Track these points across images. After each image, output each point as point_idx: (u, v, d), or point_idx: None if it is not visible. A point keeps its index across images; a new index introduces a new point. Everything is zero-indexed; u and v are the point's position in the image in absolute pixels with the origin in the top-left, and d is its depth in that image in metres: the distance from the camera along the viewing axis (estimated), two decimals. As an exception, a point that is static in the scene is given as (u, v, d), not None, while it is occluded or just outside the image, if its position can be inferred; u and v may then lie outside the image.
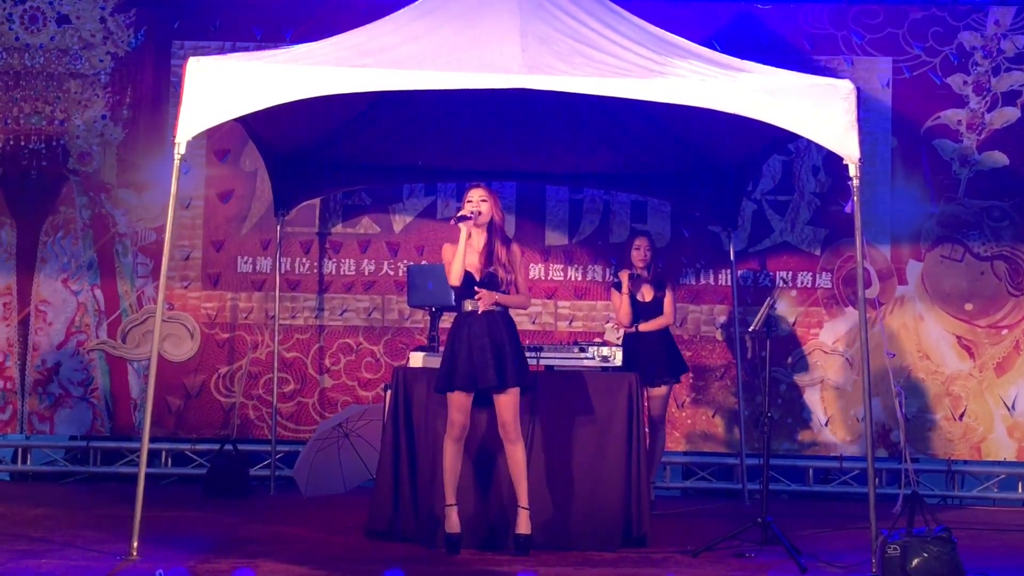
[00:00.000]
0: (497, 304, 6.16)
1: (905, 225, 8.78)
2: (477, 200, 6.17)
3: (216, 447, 8.47)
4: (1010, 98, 8.80)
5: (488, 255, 6.18)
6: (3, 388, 8.75)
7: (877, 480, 8.31)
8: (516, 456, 6.15)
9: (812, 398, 8.77)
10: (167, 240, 6.02)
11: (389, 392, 6.60)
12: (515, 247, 6.29)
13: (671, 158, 8.35)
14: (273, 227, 8.58)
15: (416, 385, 6.49)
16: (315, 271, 8.87)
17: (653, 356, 7.57)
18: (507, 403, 6.10)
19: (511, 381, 6.08)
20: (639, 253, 7.73)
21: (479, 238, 6.21)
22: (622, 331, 7.58)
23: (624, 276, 7.66)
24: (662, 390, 7.66)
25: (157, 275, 8.40)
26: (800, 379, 8.77)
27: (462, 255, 6.10)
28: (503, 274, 6.16)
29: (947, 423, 8.71)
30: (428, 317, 7.44)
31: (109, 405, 8.76)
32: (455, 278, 6.12)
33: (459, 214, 6.13)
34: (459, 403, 6.09)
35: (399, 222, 8.92)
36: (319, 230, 8.90)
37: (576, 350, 6.71)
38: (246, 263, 8.85)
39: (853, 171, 5.88)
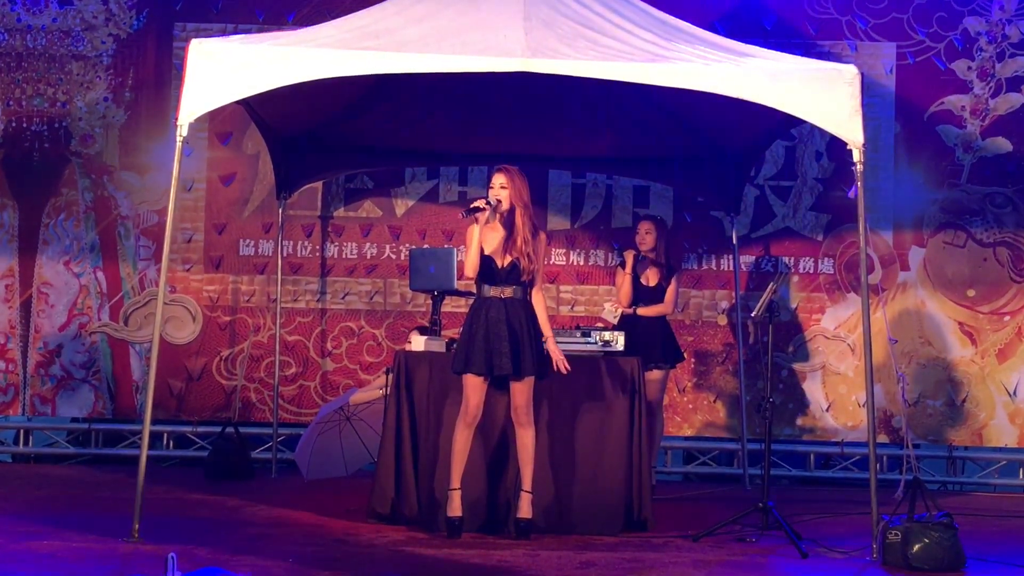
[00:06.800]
0: (516, 291, 6.13)
1: (908, 211, 8.77)
2: (497, 187, 6.11)
3: (218, 430, 8.46)
4: (1014, 84, 8.77)
5: (511, 243, 6.11)
6: (5, 370, 8.76)
7: (878, 466, 8.30)
8: (525, 440, 6.16)
9: (813, 384, 8.77)
10: (169, 223, 6.01)
11: (391, 376, 6.59)
12: (542, 236, 6.22)
13: (674, 143, 8.32)
14: (275, 210, 8.57)
15: (418, 369, 6.49)
16: (317, 254, 8.87)
17: (649, 340, 7.52)
18: (521, 388, 6.10)
19: (527, 370, 6.07)
20: (639, 236, 7.70)
21: (502, 224, 6.15)
22: (620, 312, 7.56)
23: (629, 255, 7.63)
24: (657, 375, 7.62)
25: (159, 258, 8.40)
26: (801, 365, 8.77)
27: (476, 250, 6.05)
28: (525, 263, 6.10)
29: (948, 409, 8.71)
30: (430, 301, 7.44)
31: (111, 387, 8.76)
32: (470, 270, 6.09)
33: (471, 206, 6.06)
34: (475, 386, 6.08)
35: (401, 206, 8.91)
36: (321, 213, 8.90)
37: (578, 335, 6.70)
38: (248, 246, 8.84)
39: (857, 156, 5.87)
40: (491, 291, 6.13)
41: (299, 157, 8.33)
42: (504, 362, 6.02)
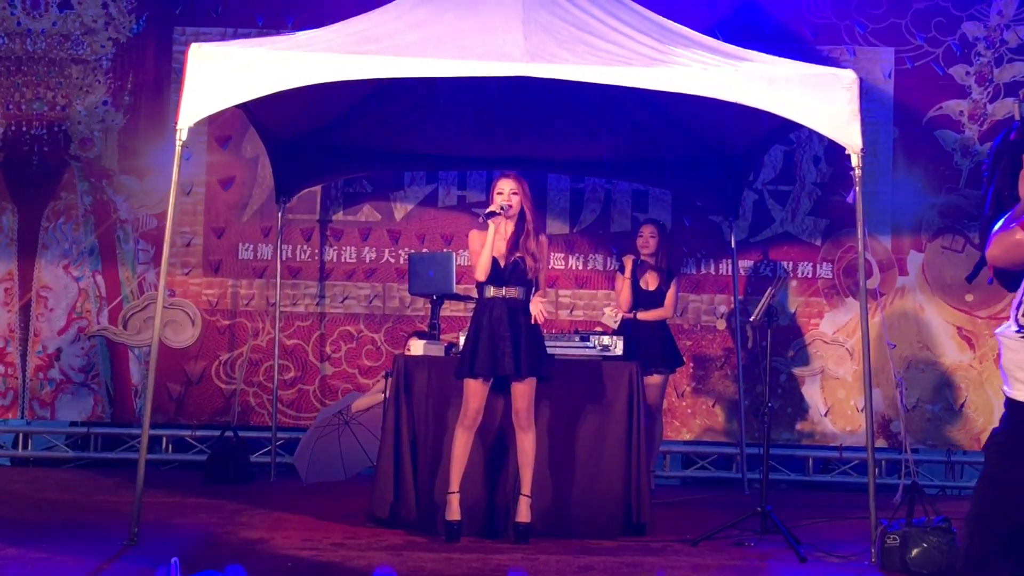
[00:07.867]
0: (519, 292, 6.14)
1: (906, 216, 8.78)
2: (508, 193, 6.14)
3: (217, 433, 8.47)
4: (1012, 89, 8.79)
5: (515, 243, 6.15)
6: (4, 374, 8.76)
7: (877, 470, 8.30)
8: (526, 444, 6.16)
9: (812, 388, 8.78)
10: (168, 226, 6.02)
11: (390, 380, 6.60)
12: (543, 238, 6.25)
13: (673, 147, 8.34)
14: (274, 214, 8.58)
15: (417, 373, 6.49)
16: (316, 258, 8.87)
17: (649, 345, 7.54)
18: (523, 391, 6.11)
19: (528, 370, 6.07)
20: (642, 240, 7.72)
21: (507, 226, 6.18)
22: (620, 316, 7.57)
23: (628, 260, 7.65)
24: (657, 379, 7.63)
25: (158, 261, 8.39)
26: (800, 369, 8.77)
27: (489, 252, 6.07)
28: (531, 263, 6.13)
29: (947, 414, 8.72)
30: (429, 305, 7.44)
31: (110, 391, 8.76)
32: (481, 273, 6.10)
33: (487, 210, 6.09)
34: (476, 389, 6.09)
35: (400, 210, 8.91)
36: (320, 217, 8.90)
37: (577, 339, 6.71)
38: (247, 250, 8.85)
39: (855, 161, 5.87)
40: (493, 292, 6.14)
41: (298, 161, 8.33)
42: (507, 362, 6.02)
